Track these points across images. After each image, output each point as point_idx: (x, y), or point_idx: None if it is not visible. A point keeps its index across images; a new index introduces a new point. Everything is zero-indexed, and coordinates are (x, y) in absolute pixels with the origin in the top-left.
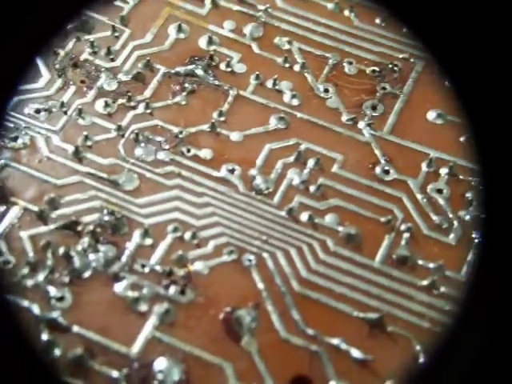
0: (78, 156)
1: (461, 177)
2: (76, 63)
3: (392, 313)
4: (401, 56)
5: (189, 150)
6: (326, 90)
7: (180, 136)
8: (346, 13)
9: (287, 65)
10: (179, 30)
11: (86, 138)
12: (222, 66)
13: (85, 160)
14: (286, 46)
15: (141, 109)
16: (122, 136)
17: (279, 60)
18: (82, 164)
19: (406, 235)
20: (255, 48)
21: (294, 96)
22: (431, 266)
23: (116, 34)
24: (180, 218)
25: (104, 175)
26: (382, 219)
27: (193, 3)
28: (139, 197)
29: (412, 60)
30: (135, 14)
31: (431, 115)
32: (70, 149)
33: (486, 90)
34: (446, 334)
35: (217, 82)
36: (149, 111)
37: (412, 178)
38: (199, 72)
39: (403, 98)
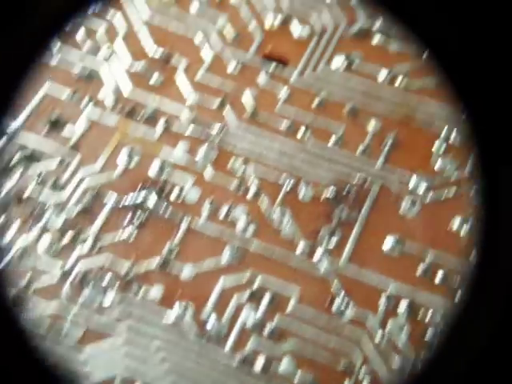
0: (18, 303)
1: (420, 312)
2: (20, 198)
3: None
4: (356, 179)
5: (138, 290)
6: (282, 218)
7: (130, 274)
8: (300, 134)
9: (241, 191)
10: (130, 156)
11: (29, 282)
12: (174, 195)
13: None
14: (240, 171)
15: (87, 246)
16: (67, 278)
17: (233, 186)
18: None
19: (366, 380)
20: (208, 174)
21: (248, 226)
22: None
23: (64, 164)
24: (130, 365)
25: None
26: (341, 363)
27: (144, 128)
28: (84, 347)
29: (368, 183)
30: (85, 142)
31: (388, 242)
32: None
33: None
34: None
35: (168, 213)
36: (96, 248)
37: (371, 313)
38: (150, 203)
39: (360, 225)
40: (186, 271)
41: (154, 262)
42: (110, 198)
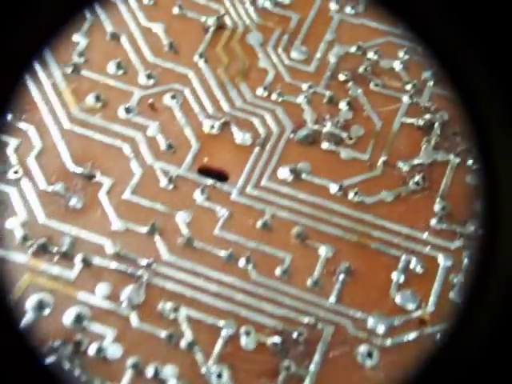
0: None
1: None
2: None
3: None
4: (306, 321)
5: None
6: (220, 375)
7: None
8: (242, 264)
9: (173, 342)
10: (40, 305)
11: None
12: (92, 352)
13: None
14: (172, 315)
15: None
16: None
17: (163, 335)
18: None
19: None
20: (134, 320)
21: None
22: None
23: None
24: None
25: None
26: None
27: (60, 265)
28: None
29: (319, 326)
30: None
31: None
32: None
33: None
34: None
35: (85, 378)
36: None
37: None
38: (62, 364)
39: (310, 381)
40: None
41: None
42: None
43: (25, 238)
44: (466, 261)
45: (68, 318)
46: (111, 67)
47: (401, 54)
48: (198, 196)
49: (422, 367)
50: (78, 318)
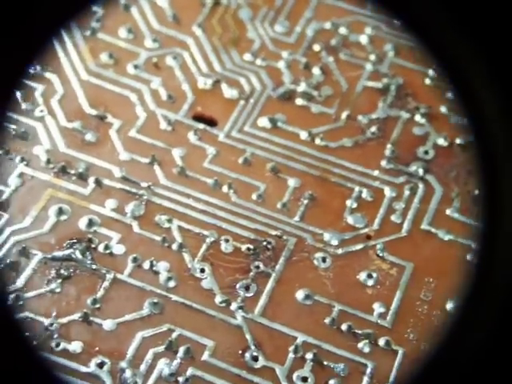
0: None
1: (325, 362)
2: None
3: None
4: (274, 233)
5: (58, 345)
6: (202, 270)
7: (50, 328)
8: (225, 190)
9: (166, 244)
10: (60, 211)
11: None
12: (101, 248)
13: None
14: (166, 225)
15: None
16: None
17: (158, 239)
18: None
19: None
20: (135, 227)
21: (170, 278)
22: None
23: None
24: None
25: None
26: None
27: (76, 183)
28: None
29: (284, 237)
30: (16, 198)
31: (300, 295)
32: None
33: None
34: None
35: (94, 266)
36: (20, 303)
37: (279, 364)
38: (77, 256)
39: (275, 277)
40: (107, 324)
41: (76, 316)
42: (38, 253)
43: (48, 161)
44: (406, 193)
45: (82, 223)
46: (123, 32)
47: (367, 30)
48: (192, 136)
49: (422, 367)
50: (90, 223)
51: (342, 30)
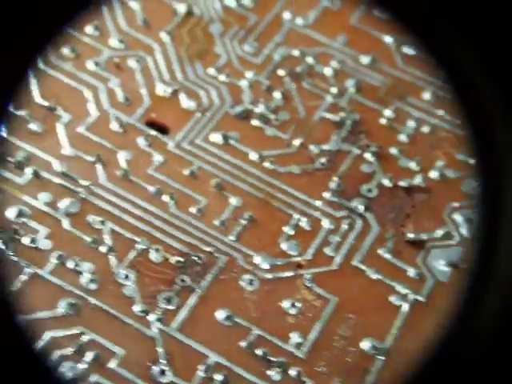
0: None
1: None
2: None
3: None
4: (207, 249)
5: None
6: (127, 277)
7: None
8: (165, 198)
9: (94, 245)
10: None
11: None
12: (26, 241)
13: None
14: (98, 226)
15: None
16: None
17: (87, 239)
18: None
19: None
20: (66, 224)
21: (92, 280)
22: None
23: None
24: None
25: None
26: None
27: (13, 172)
28: None
29: (216, 255)
30: None
31: (221, 315)
32: None
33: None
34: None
35: (15, 258)
36: None
37: (187, 382)
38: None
39: (199, 294)
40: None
41: None
42: None
43: None
44: (344, 227)
45: (11, 212)
46: (89, 28)
47: (333, 63)
48: (141, 141)
49: (421, 368)
50: (19, 214)
51: (309, 60)
